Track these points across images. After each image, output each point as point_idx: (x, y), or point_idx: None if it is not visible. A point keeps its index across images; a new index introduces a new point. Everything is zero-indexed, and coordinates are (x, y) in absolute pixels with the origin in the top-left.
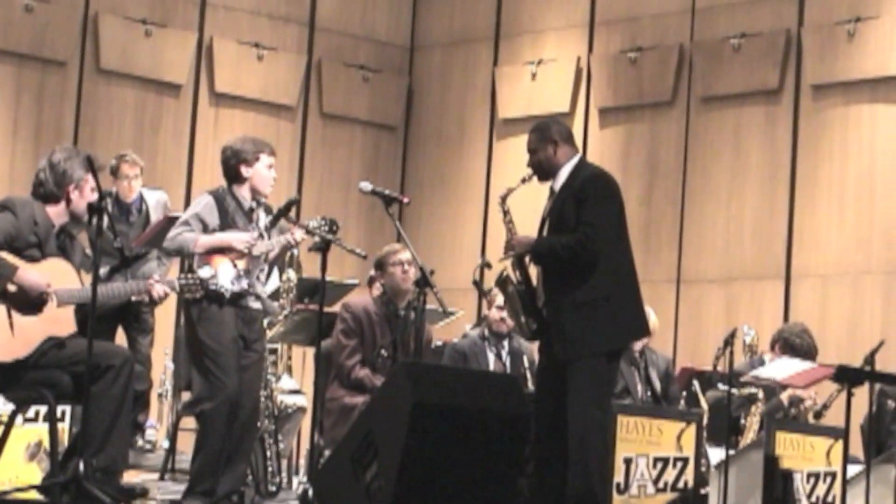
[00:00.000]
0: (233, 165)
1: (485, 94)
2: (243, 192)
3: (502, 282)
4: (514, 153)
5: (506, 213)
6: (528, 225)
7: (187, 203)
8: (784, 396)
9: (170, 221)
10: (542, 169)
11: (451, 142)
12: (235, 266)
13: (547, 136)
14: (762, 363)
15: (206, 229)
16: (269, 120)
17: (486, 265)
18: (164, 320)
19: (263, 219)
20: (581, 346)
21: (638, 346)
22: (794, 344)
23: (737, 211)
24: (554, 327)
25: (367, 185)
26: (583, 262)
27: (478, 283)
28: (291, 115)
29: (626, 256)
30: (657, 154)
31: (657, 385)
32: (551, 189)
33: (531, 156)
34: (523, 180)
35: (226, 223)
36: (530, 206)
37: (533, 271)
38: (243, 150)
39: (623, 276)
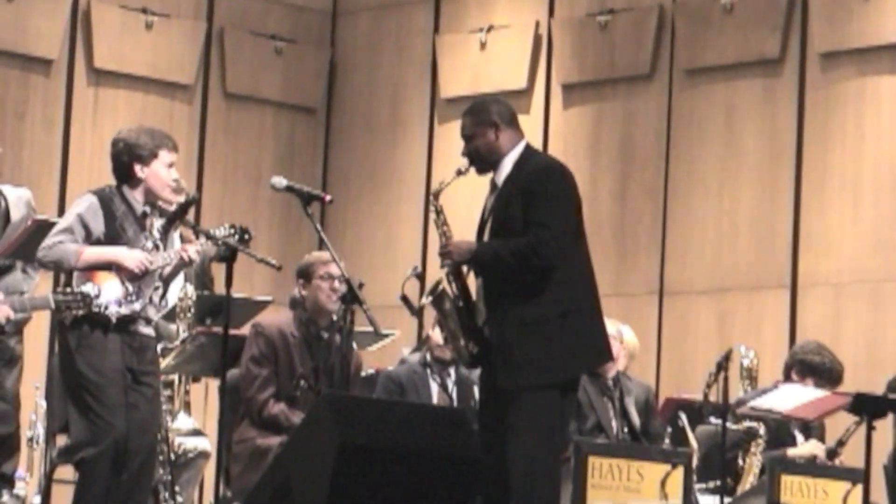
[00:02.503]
0: (125, 163)
1: (423, 68)
2: (136, 195)
3: (437, 297)
4: (460, 140)
5: (439, 213)
6: (469, 228)
7: (60, 205)
8: (791, 453)
9: (39, 226)
10: (482, 159)
11: (382, 127)
12: (124, 284)
13: (486, 118)
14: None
15: (89, 237)
16: (161, 102)
17: (417, 276)
18: (35, 348)
19: (158, 225)
20: (529, 374)
21: (611, 372)
22: (815, 363)
23: (730, 207)
24: (497, 351)
25: (280, 181)
26: (535, 272)
27: (406, 299)
28: (188, 96)
29: (586, 266)
30: (633, 139)
31: (636, 419)
32: (493, 183)
33: (467, 143)
34: (459, 173)
35: (113, 230)
36: (470, 204)
37: (472, 283)
38: (139, 145)
39: (582, 289)
